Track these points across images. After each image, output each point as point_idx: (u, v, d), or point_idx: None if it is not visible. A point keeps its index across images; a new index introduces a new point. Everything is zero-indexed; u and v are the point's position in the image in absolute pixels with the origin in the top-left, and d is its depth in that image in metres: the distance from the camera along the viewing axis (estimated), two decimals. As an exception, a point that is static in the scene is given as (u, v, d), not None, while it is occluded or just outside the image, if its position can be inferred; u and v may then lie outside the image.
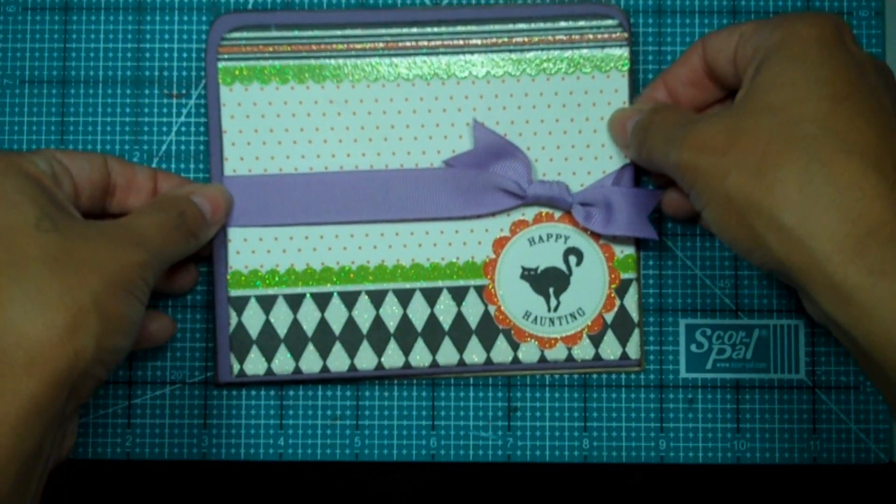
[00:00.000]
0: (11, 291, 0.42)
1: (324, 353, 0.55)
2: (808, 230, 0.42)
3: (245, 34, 0.55)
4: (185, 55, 0.57)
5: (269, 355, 0.55)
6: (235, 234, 0.55)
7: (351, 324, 0.55)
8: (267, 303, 0.55)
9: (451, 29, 0.55)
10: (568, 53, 0.55)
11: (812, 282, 0.42)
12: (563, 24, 0.55)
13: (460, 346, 0.55)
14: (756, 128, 0.44)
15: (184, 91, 0.57)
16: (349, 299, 0.55)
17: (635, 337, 0.55)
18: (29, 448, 0.42)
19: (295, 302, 0.55)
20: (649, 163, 0.52)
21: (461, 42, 0.55)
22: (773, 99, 0.44)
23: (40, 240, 0.43)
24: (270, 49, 0.55)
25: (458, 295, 0.55)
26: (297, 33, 0.55)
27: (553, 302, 0.55)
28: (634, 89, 0.56)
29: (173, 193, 0.52)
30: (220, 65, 0.55)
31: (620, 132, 0.54)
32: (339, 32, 0.55)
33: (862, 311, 0.41)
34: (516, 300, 0.55)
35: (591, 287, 0.55)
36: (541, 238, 0.55)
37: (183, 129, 0.57)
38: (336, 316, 0.55)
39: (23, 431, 0.41)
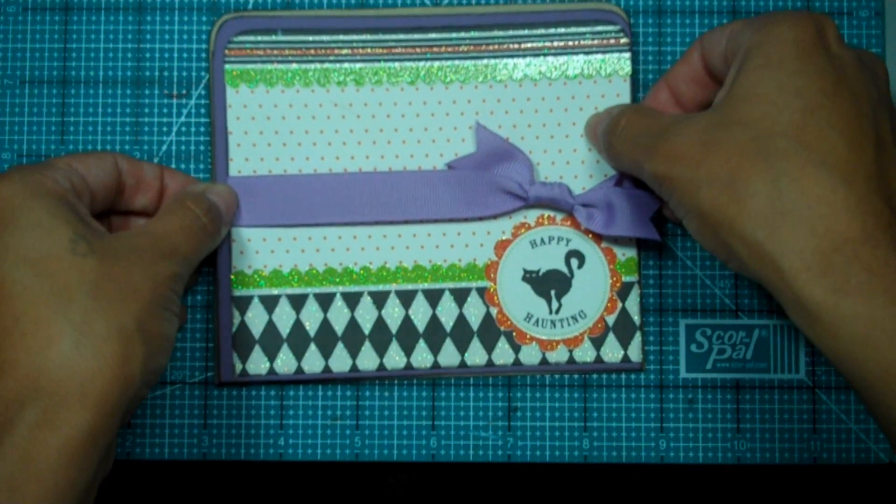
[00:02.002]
0: (59, 324, 0.42)
1: (326, 353, 0.55)
2: (777, 246, 0.42)
3: (252, 38, 0.56)
4: (185, 55, 0.57)
5: (271, 355, 0.55)
6: (239, 235, 0.55)
7: (353, 324, 0.55)
8: (270, 303, 0.55)
9: (454, 34, 0.56)
10: (570, 58, 0.56)
11: (782, 296, 0.43)
12: (565, 29, 0.56)
13: (462, 348, 0.55)
14: (728, 141, 0.44)
15: (184, 91, 0.57)
16: (352, 300, 0.56)
17: (637, 340, 0.56)
18: (87, 478, 0.42)
19: (298, 302, 0.55)
20: (620, 168, 0.52)
21: (464, 47, 0.56)
22: (746, 111, 0.44)
23: (78, 265, 0.43)
24: (276, 53, 0.56)
25: (460, 296, 0.56)
26: (302, 38, 0.56)
27: (554, 304, 0.56)
28: (635, 94, 0.56)
29: (191, 192, 0.52)
30: (227, 67, 0.56)
31: (594, 138, 0.55)
32: (343, 37, 0.56)
33: (826, 329, 0.41)
34: (518, 302, 0.56)
35: (592, 290, 0.56)
36: (542, 240, 0.56)
37: (183, 129, 0.57)
38: (338, 316, 0.56)
39: (81, 463, 0.42)
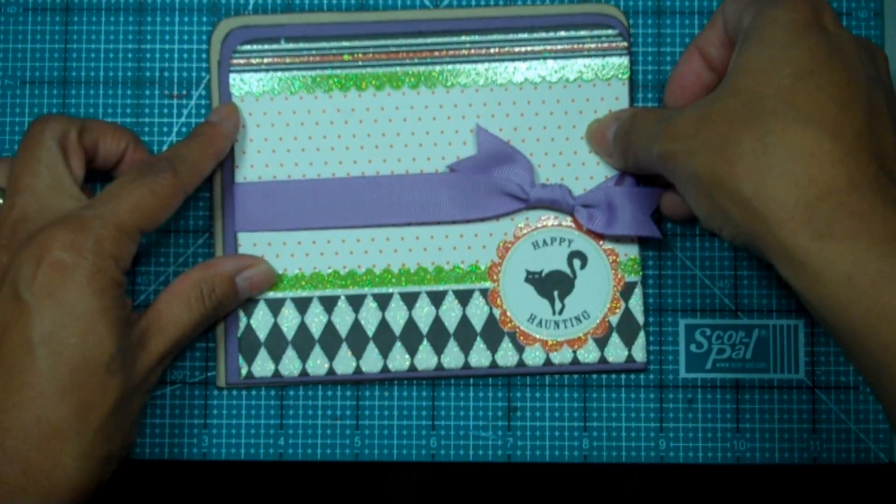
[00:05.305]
0: (71, 445, 0.46)
1: (330, 355, 0.56)
2: (763, 199, 0.43)
3: (257, 47, 0.56)
4: (185, 56, 0.58)
5: (276, 357, 0.56)
6: (245, 239, 0.56)
7: (357, 327, 0.56)
8: (275, 306, 0.56)
9: (454, 39, 0.56)
10: (569, 62, 0.56)
11: (769, 250, 0.44)
12: (564, 33, 0.56)
13: (465, 349, 0.56)
14: (722, 110, 0.46)
15: (184, 92, 0.58)
16: (356, 302, 0.56)
17: (640, 340, 0.56)
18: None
19: (302, 305, 0.56)
20: (636, 166, 0.53)
21: (465, 51, 0.56)
22: (739, 83, 0.46)
23: (105, 385, 0.47)
24: (279, 61, 0.56)
25: (463, 298, 0.56)
26: (305, 45, 0.56)
27: (558, 305, 0.56)
28: (633, 97, 0.57)
29: (222, 272, 0.54)
30: (232, 77, 0.56)
31: (601, 141, 0.55)
32: (346, 44, 0.56)
33: (811, 275, 0.42)
34: (521, 303, 0.56)
35: (595, 290, 0.56)
36: (545, 242, 0.56)
37: (184, 129, 0.57)
38: (342, 319, 0.56)
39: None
